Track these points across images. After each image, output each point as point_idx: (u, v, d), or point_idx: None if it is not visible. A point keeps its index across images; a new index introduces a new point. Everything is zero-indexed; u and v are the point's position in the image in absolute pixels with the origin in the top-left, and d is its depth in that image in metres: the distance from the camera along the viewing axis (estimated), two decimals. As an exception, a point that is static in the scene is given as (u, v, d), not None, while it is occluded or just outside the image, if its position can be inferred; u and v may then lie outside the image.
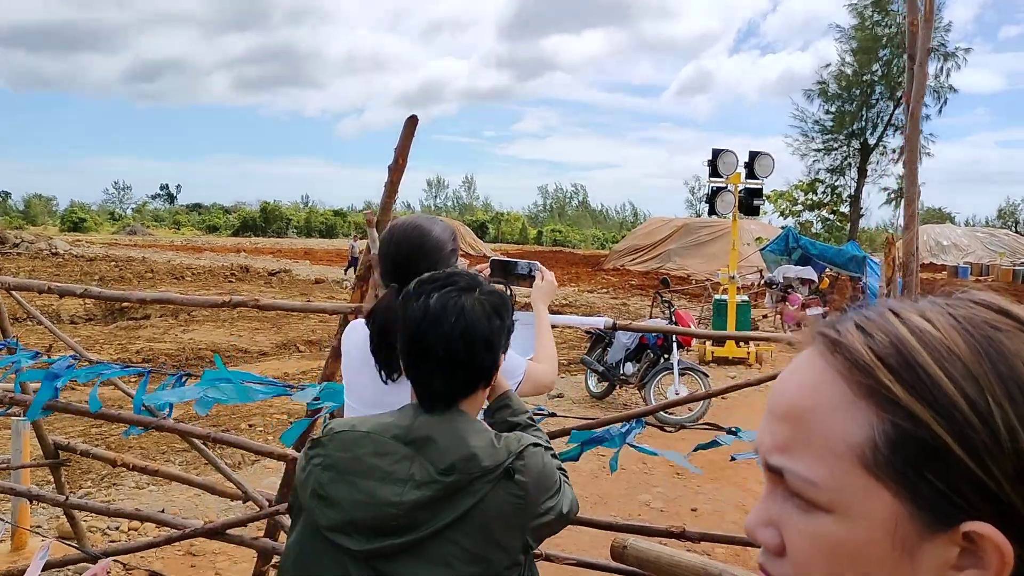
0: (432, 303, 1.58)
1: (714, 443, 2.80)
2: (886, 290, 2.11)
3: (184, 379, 3.21)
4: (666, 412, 7.64)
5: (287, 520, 3.17)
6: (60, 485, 3.88)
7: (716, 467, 7.08)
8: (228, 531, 2.77)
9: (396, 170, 2.89)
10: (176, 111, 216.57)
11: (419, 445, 1.51)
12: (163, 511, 3.86)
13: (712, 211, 11.75)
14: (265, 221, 66.87)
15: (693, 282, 24.28)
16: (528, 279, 2.72)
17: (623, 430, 2.82)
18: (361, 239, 31.61)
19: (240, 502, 3.69)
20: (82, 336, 13.26)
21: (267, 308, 3.02)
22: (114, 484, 6.05)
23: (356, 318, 3.10)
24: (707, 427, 3.00)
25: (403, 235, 2.17)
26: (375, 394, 2.14)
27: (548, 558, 2.99)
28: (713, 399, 8.63)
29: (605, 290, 25.37)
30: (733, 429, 2.76)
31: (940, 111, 33.86)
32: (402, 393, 2.10)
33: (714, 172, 11.69)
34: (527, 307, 2.61)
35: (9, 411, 3.63)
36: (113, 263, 29.60)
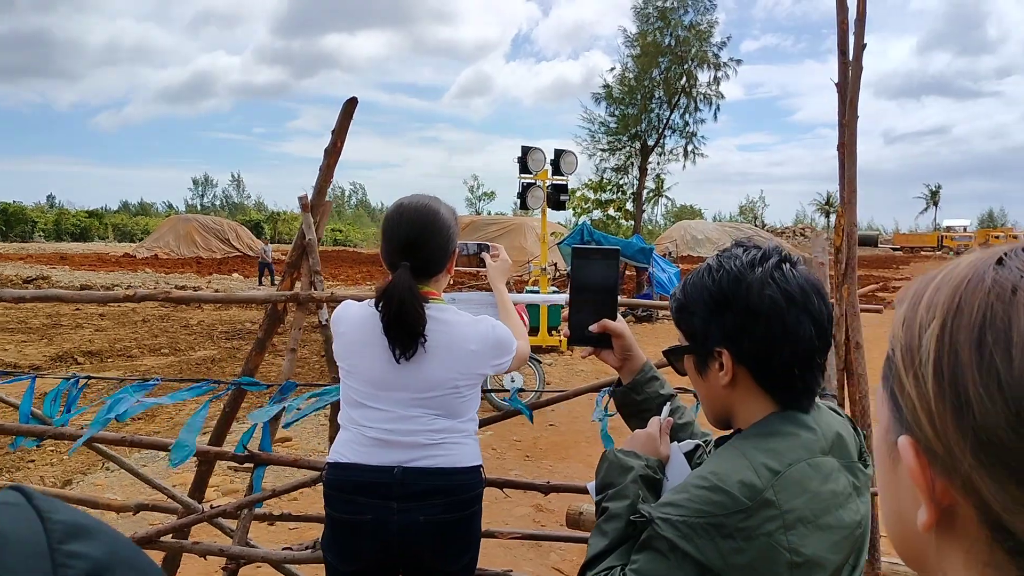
0: (791, 279, 1.30)
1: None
2: (832, 258, 2.41)
3: (82, 383, 2.92)
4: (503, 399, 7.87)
5: (225, 523, 2.98)
6: None
7: (563, 447, 7.42)
8: (161, 539, 2.55)
9: (333, 153, 2.81)
10: None
11: (836, 448, 1.29)
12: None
13: (524, 206, 12.16)
14: (6, 224, 59.57)
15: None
16: (477, 259, 2.77)
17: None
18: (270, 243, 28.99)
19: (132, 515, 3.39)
20: None
21: (182, 301, 2.81)
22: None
23: (284, 307, 2.98)
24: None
25: (416, 214, 2.15)
26: (383, 373, 2.11)
27: (491, 534, 3.03)
28: (545, 383, 9.00)
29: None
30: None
31: (715, 117, 37.01)
32: (409, 372, 2.08)
33: (524, 168, 12.11)
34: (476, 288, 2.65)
35: None
36: None
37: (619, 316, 1.69)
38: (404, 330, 2.05)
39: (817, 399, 1.35)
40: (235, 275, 32.55)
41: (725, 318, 1.30)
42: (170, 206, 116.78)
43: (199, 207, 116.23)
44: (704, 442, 1.56)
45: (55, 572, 0.48)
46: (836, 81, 2.44)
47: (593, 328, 1.66)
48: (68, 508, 0.53)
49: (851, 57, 2.38)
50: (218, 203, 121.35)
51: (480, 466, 2.22)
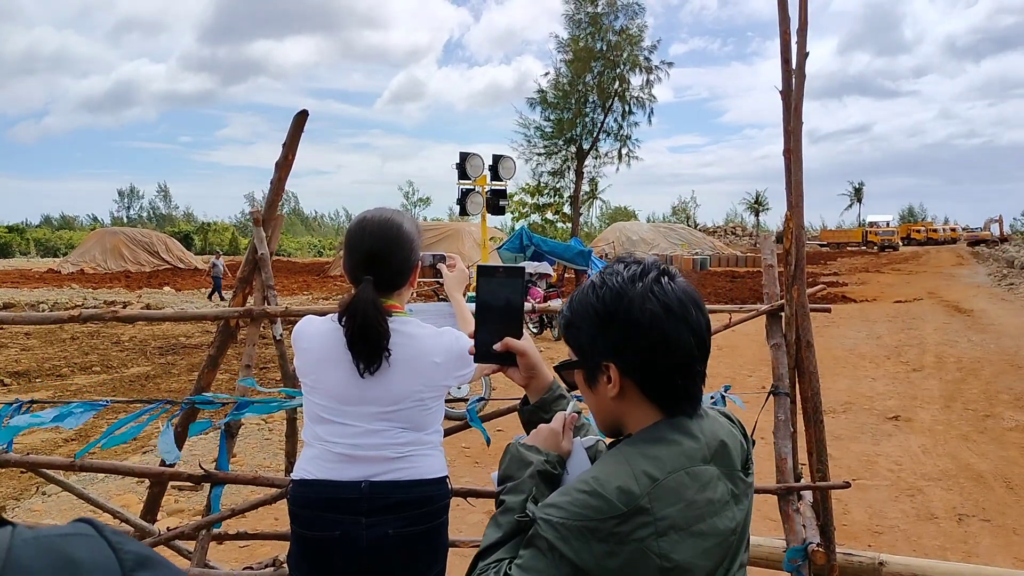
0: (670, 292, 1.35)
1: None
2: (775, 259, 2.48)
3: (25, 407, 2.82)
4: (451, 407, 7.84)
5: (184, 546, 2.89)
6: None
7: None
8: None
9: (284, 166, 2.78)
10: None
11: (718, 456, 1.35)
12: None
13: (464, 212, 12.17)
14: (-83, 241, 56.99)
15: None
16: (432, 270, 2.77)
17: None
18: (222, 257, 28.24)
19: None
20: None
21: (130, 319, 2.74)
22: None
23: (236, 323, 2.93)
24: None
25: (379, 228, 2.15)
26: (348, 388, 2.10)
27: (452, 544, 3.03)
28: (491, 389, 9.01)
29: (339, 296, 25.07)
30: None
31: (649, 120, 37.37)
32: (374, 386, 2.07)
33: (463, 174, 12.11)
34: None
35: None
36: None
37: (525, 334, 1.71)
38: (368, 344, 2.04)
39: (707, 407, 1.42)
40: (166, 288, 31.72)
41: (610, 332, 1.35)
42: (95, 219, 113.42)
43: (125, 219, 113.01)
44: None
45: None
46: (780, 89, 2.51)
47: (497, 347, 1.67)
48: (134, 540, 0.58)
49: (794, 65, 2.47)
50: (145, 215, 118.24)
51: (446, 477, 2.22)
